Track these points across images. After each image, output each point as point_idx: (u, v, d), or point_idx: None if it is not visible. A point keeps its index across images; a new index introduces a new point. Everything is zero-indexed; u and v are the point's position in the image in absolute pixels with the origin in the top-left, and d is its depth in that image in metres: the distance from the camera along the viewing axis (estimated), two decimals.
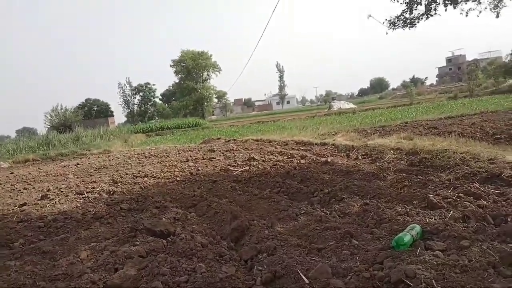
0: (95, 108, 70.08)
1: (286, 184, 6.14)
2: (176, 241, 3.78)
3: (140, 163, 11.67)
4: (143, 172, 9.27)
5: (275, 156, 9.67)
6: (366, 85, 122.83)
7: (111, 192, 7.27)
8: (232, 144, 14.01)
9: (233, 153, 11.20)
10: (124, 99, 70.64)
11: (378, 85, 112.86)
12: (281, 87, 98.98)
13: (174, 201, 6.18)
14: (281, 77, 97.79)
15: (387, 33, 9.10)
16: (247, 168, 8.28)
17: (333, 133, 14.15)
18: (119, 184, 8.08)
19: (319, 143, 11.13)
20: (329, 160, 7.85)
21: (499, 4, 8.52)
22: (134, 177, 8.74)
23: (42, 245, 4.36)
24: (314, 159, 8.40)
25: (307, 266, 2.97)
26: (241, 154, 10.70)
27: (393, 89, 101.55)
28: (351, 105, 48.54)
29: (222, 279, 2.91)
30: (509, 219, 3.53)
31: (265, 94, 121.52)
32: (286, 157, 9.27)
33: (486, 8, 8.60)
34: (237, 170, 8.10)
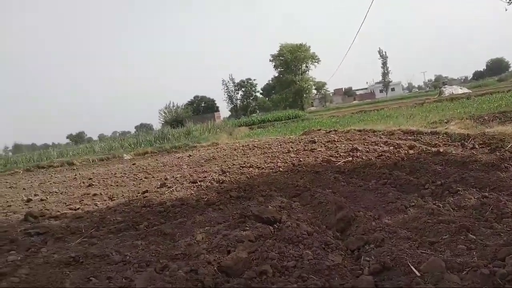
0: (202, 104, 74.97)
1: (394, 176, 5.92)
2: (283, 228, 3.94)
3: (245, 154, 12.23)
4: (248, 163, 9.71)
5: (380, 146, 9.33)
6: (482, 67, 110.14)
7: (221, 181, 7.78)
8: (333, 135, 13.85)
9: (335, 144, 11.08)
10: (228, 95, 74.48)
11: (497, 67, 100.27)
12: (385, 74, 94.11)
13: (278, 190, 6.38)
14: (384, 63, 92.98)
15: (506, 9, 8.07)
16: (350, 159, 8.14)
17: (445, 121, 13.11)
18: (227, 173, 8.59)
19: (429, 132, 10.42)
20: (441, 150, 7.34)
21: None
22: (240, 167, 9.20)
23: (163, 227, 4.88)
24: (424, 149, 7.91)
25: (418, 259, 2.87)
26: (343, 145, 10.54)
27: None
28: (465, 90, 44.09)
29: (329, 266, 2.97)
30: None
31: (367, 82, 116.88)
32: (392, 147, 8.88)
33: None
34: (339, 161, 8.02)
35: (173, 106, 55.53)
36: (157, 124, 58.80)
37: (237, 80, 74.67)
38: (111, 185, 9.81)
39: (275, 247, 3.42)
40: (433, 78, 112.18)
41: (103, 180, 10.94)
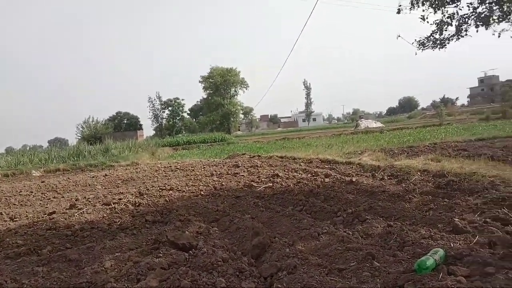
0: (125, 121, 71.95)
1: (309, 203, 6.13)
2: (198, 254, 3.85)
3: (166, 176, 11.90)
4: (168, 185, 9.45)
5: (299, 173, 9.67)
6: (395, 104, 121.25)
7: (137, 204, 7.44)
8: (256, 160, 14.10)
9: (257, 169, 11.27)
10: (153, 113, 72.42)
11: (407, 105, 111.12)
12: (308, 104, 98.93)
13: (197, 215, 6.27)
14: (308, 94, 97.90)
15: (416, 54, 9.01)
16: (271, 184, 8.31)
17: (359, 152, 13.99)
18: (145, 196, 8.26)
19: (344, 162, 11.04)
20: (353, 179, 7.78)
21: None
22: (160, 190, 8.92)
23: (69, 253, 4.52)
24: (339, 178, 8.34)
25: (327, 286, 2.97)
26: (265, 171, 10.75)
27: (423, 108, 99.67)
28: (379, 124, 47.85)
29: None
30: None
31: (291, 111, 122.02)
32: (310, 175, 9.25)
33: None
34: (260, 186, 8.15)
35: (93, 121, 52.56)
36: (73, 140, 55.15)
37: (164, 99, 73.28)
38: (14, 204, 8.91)
39: (188, 275, 3.31)
40: (351, 111, 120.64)
41: (6, 199, 9.90)
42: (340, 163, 11.00)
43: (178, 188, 9.05)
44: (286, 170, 10.45)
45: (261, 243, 4.10)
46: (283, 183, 8.34)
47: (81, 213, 6.84)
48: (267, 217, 5.67)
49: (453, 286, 2.69)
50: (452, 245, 3.65)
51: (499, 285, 2.66)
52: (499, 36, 8.52)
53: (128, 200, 7.78)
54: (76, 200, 8.35)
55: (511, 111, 43.95)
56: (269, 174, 9.80)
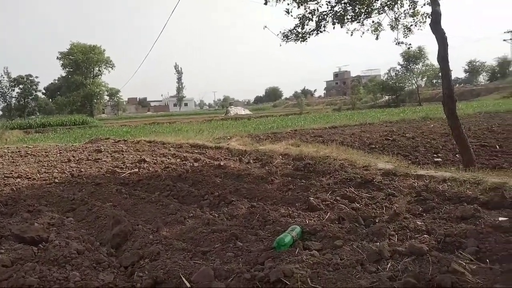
0: None
1: (177, 187, 6.01)
2: (49, 248, 3.42)
3: (13, 162, 10.36)
4: (16, 173, 8.24)
5: (168, 158, 9.43)
6: (262, 93, 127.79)
7: None
8: (121, 145, 13.30)
9: (122, 154, 10.63)
10: (0, 91, 62.53)
11: (273, 94, 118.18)
12: (179, 89, 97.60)
13: (50, 204, 5.60)
14: (179, 78, 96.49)
15: (280, 45, 9.51)
16: (137, 170, 7.91)
17: (228, 137, 14.35)
18: None
19: (214, 146, 11.17)
20: (222, 163, 7.91)
21: (378, 28, 9.50)
22: (5, 178, 7.71)
23: None
24: (208, 162, 8.40)
25: (191, 270, 2.92)
26: (131, 156, 10.20)
27: (286, 98, 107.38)
28: (247, 112, 50.06)
29: (98, 287, 2.71)
30: (377, 220, 3.94)
31: (162, 95, 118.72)
32: (179, 159, 9.11)
33: (368, 29, 9.51)
34: (125, 173, 7.69)
35: None
36: None
37: (14, 75, 63.69)
38: None
39: (36, 271, 2.92)
40: (222, 98, 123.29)
41: None
42: (209, 148, 11.09)
43: (27, 175, 7.95)
44: (154, 155, 10.09)
45: (122, 232, 3.85)
46: (150, 169, 8.02)
47: None
48: (131, 204, 5.36)
49: (307, 259, 2.91)
50: (307, 221, 3.97)
51: (346, 256, 2.98)
52: (351, 35, 9.57)
53: None
54: None
55: (358, 103, 50.50)
56: (135, 160, 9.32)
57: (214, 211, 4.79)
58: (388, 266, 2.78)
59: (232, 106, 60.81)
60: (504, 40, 60.08)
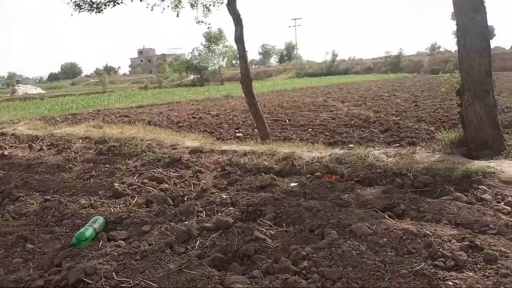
0: None
1: None
2: None
3: None
4: None
5: None
6: (57, 69, 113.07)
7: None
8: None
9: None
10: None
11: (71, 71, 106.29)
12: None
13: None
14: None
15: (72, 15, 8.41)
16: None
17: (15, 121, 12.19)
18: None
19: None
20: (6, 153, 6.69)
21: (178, 4, 9.36)
22: None
23: None
24: None
25: None
26: None
27: (87, 75, 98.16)
28: (40, 90, 43.87)
29: None
30: (185, 199, 3.96)
31: None
32: None
33: (168, 6, 9.28)
34: None
35: None
36: None
37: None
38: None
39: None
40: (6, 75, 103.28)
41: None
42: None
43: None
44: None
45: None
46: None
47: None
48: None
49: (112, 252, 2.68)
50: (112, 210, 3.69)
51: (154, 241, 2.86)
52: (152, 10, 9.21)
53: None
54: None
55: (165, 82, 50.38)
56: None
57: None
58: (197, 244, 2.80)
59: (20, 85, 51.93)
60: (289, 26, 69.10)
